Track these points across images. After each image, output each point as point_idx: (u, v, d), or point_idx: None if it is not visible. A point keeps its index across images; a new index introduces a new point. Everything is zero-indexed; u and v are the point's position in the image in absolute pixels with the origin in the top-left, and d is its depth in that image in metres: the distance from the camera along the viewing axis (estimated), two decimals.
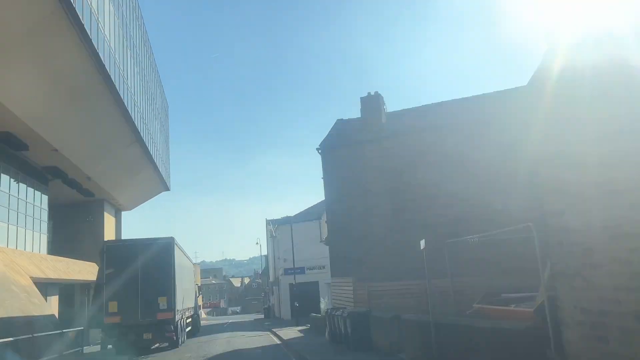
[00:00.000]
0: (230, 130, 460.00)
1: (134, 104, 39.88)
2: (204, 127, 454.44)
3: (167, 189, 64.18)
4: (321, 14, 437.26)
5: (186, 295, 26.61)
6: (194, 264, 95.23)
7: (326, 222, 23.99)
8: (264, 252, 62.95)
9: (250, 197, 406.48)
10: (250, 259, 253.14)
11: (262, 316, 61.20)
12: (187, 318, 27.32)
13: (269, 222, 57.33)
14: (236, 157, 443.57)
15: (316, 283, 41.32)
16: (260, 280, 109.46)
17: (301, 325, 31.57)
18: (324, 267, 41.02)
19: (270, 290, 55.30)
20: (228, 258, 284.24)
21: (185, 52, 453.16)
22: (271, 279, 55.30)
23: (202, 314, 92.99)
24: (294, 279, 35.51)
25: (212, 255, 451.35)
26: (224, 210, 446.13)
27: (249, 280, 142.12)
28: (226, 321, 56.17)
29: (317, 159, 24.15)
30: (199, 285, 36.81)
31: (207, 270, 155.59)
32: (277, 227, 43.96)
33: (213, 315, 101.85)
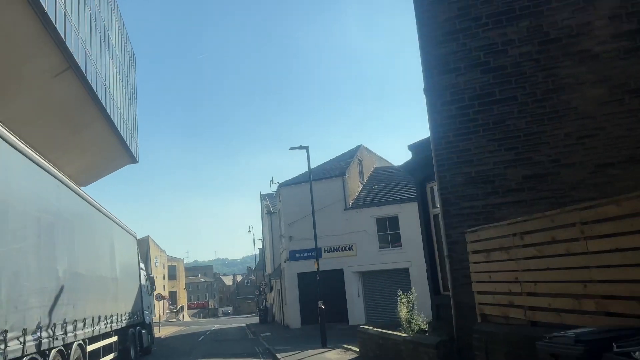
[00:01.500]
0: (223, 129, 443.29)
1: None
2: (196, 125, 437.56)
3: (135, 160, 49.17)
4: (312, 8, 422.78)
5: (92, 291, 11.66)
6: (167, 252, 78.82)
7: (425, 92, 8.99)
8: (258, 240, 47.71)
9: (243, 196, 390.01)
10: (243, 257, 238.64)
11: (256, 319, 46.15)
12: (103, 337, 12.41)
13: (264, 197, 42.42)
14: (229, 157, 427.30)
15: (339, 272, 26.38)
16: (254, 277, 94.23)
17: (331, 346, 16.65)
18: (351, 248, 26.08)
19: (267, 286, 40.26)
20: (221, 257, 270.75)
21: (173, 51, 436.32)
22: (268, 271, 40.33)
23: (186, 316, 77.87)
24: (317, 264, 20.57)
25: (204, 254, 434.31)
26: (216, 209, 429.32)
27: (241, 277, 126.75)
28: (210, 327, 41.05)
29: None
30: (147, 273, 21.43)
31: (196, 268, 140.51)
32: (279, 191, 28.93)
33: (199, 317, 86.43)
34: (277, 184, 28.02)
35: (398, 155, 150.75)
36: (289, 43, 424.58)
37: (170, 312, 70.06)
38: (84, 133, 36.20)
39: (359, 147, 29.68)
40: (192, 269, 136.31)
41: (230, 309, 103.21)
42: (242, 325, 42.43)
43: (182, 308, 74.23)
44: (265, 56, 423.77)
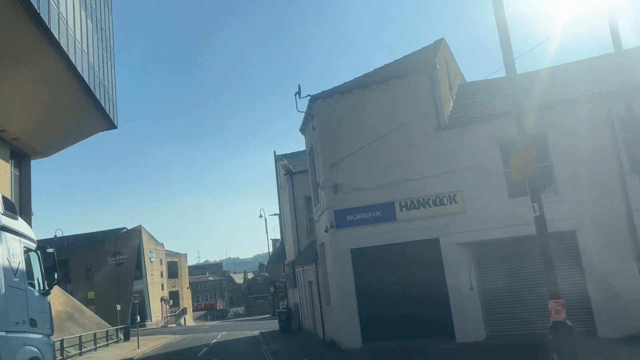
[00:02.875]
0: (226, 127, 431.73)
1: None
2: (202, 124, 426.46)
3: (113, 125, 37.22)
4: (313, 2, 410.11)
5: None
6: (165, 246, 66.39)
7: None
8: (274, 216, 35.25)
9: (250, 195, 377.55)
10: (254, 256, 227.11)
11: (274, 324, 34.09)
12: None
13: (279, 157, 30.39)
14: (235, 156, 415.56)
15: (432, 244, 14.12)
16: (267, 273, 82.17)
17: None
18: (453, 199, 13.57)
19: (289, 279, 28.02)
20: (232, 256, 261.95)
21: (172, 53, 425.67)
22: (289, 259, 28.15)
23: (189, 320, 65.92)
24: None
25: (215, 254, 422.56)
26: (225, 208, 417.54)
27: (252, 275, 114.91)
28: (211, 339, 29.08)
29: None
30: (36, 243, 9.25)
31: (204, 267, 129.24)
32: (312, 110, 16.32)
33: (207, 320, 74.50)
34: (308, 97, 15.71)
35: None
36: (291, 37, 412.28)
37: (171, 316, 58.16)
38: (27, 68, 24.49)
39: (440, 41, 17.32)
40: (200, 267, 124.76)
41: (241, 310, 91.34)
42: (254, 333, 30.38)
43: (184, 310, 62.25)
44: (267, 53, 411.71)
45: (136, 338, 34.05)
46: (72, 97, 29.56)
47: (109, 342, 30.79)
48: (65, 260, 54.47)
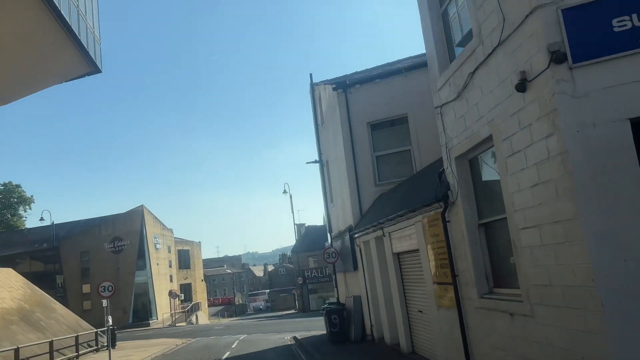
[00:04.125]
0: (246, 127, 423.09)
1: None
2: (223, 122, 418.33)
3: (97, 68, 26.59)
4: None
5: None
6: (174, 233, 55.03)
7: None
8: (312, 164, 25.01)
9: (270, 189, 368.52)
10: (273, 251, 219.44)
11: (308, 324, 24.26)
12: None
13: (317, 84, 20.38)
14: (254, 152, 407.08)
15: None
16: (290, 264, 72.40)
17: None
18: None
19: (346, 257, 17.95)
20: (251, 251, 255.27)
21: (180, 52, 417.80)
22: (339, 229, 18.13)
23: (203, 316, 56.65)
24: None
25: (234, 249, 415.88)
26: (244, 203, 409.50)
27: (273, 268, 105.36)
28: (222, 351, 19.33)
29: None
30: None
31: (222, 259, 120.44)
32: None
33: (224, 317, 65.09)
34: None
35: None
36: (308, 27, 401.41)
37: (181, 312, 48.73)
38: None
39: None
40: (218, 260, 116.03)
41: (262, 305, 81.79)
42: (285, 340, 20.57)
43: (197, 306, 52.76)
44: (282, 43, 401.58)
45: (129, 344, 24.60)
46: (26, 10, 19.93)
47: (82, 352, 21.26)
48: (56, 247, 45.37)
